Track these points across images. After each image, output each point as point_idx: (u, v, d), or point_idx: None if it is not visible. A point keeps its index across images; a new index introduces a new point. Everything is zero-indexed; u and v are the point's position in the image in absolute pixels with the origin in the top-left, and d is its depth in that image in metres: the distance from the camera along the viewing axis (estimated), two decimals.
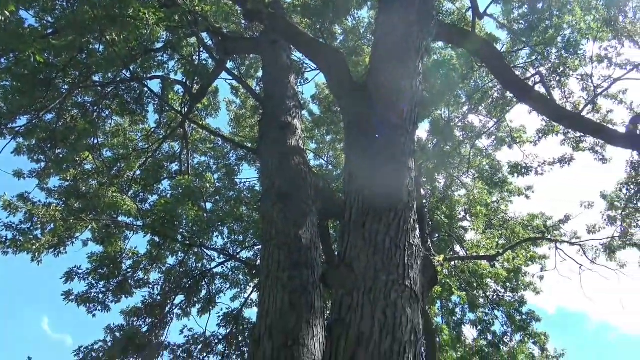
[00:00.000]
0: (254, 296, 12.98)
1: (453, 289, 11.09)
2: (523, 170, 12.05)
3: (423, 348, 8.17)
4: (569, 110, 10.23)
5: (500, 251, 12.32)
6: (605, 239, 12.37)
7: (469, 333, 13.77)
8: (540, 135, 12.23)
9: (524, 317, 13.64)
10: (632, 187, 11.56)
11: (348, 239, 4.18)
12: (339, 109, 12.94)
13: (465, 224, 15.23)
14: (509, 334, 13.75)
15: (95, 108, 11.43)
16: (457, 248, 15.03)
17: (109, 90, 11.21)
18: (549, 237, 12.83)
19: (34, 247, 9.40)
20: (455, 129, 12.59)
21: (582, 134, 11.26)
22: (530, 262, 13.38)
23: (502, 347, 12.88)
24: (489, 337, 13.38)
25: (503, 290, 13.54)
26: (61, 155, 10.97)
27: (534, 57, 11.96)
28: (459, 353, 10.65)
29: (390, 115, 4.82)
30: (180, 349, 10.09)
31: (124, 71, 9.91)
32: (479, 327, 13.65)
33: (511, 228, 14.69)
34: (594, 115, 11.44)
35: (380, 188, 4.38)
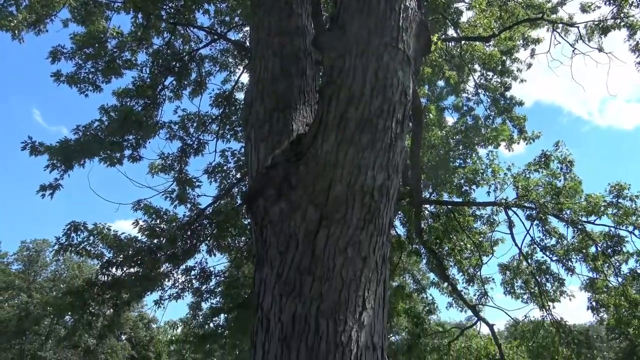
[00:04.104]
0: (244, 79, 13.01)
1: (444, 69, 11.07)
2: None
3: (410, 124, 8.48)
4: None
5: (496, 32, 11.99)
6: (600, 18, 11.95)
7: (452, 118, 14.31)
8: None
9: (507, 101, 14.00)
10: None
11: (341, 1, 3.98)
12: None
13: (461, 5, 14.52)
14: (491, 117, 14.30)
15: None
16: (451, 31, 14.60)
17: None
18: (547, 18, 12.35)
19: (12, 24, 8.96)
20: None
21: None
22: (524, 44, 13.16)
23: (482, 129, 13.48)
24: (470, 120, 13.92)
25: (491, 74, 13.61)
26: None
27: None
28: (443, 132, 11.15)
29: None
30: (177, 125, 10.44)
31: None
32: (462, 111, 14.11)
33: (511, 10, 14.06)
34: None
35: None
